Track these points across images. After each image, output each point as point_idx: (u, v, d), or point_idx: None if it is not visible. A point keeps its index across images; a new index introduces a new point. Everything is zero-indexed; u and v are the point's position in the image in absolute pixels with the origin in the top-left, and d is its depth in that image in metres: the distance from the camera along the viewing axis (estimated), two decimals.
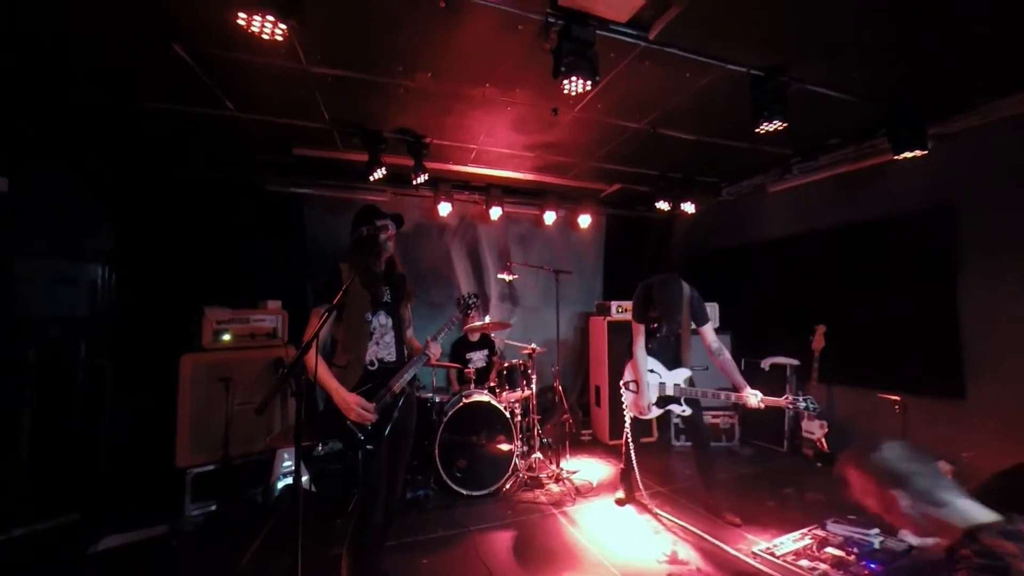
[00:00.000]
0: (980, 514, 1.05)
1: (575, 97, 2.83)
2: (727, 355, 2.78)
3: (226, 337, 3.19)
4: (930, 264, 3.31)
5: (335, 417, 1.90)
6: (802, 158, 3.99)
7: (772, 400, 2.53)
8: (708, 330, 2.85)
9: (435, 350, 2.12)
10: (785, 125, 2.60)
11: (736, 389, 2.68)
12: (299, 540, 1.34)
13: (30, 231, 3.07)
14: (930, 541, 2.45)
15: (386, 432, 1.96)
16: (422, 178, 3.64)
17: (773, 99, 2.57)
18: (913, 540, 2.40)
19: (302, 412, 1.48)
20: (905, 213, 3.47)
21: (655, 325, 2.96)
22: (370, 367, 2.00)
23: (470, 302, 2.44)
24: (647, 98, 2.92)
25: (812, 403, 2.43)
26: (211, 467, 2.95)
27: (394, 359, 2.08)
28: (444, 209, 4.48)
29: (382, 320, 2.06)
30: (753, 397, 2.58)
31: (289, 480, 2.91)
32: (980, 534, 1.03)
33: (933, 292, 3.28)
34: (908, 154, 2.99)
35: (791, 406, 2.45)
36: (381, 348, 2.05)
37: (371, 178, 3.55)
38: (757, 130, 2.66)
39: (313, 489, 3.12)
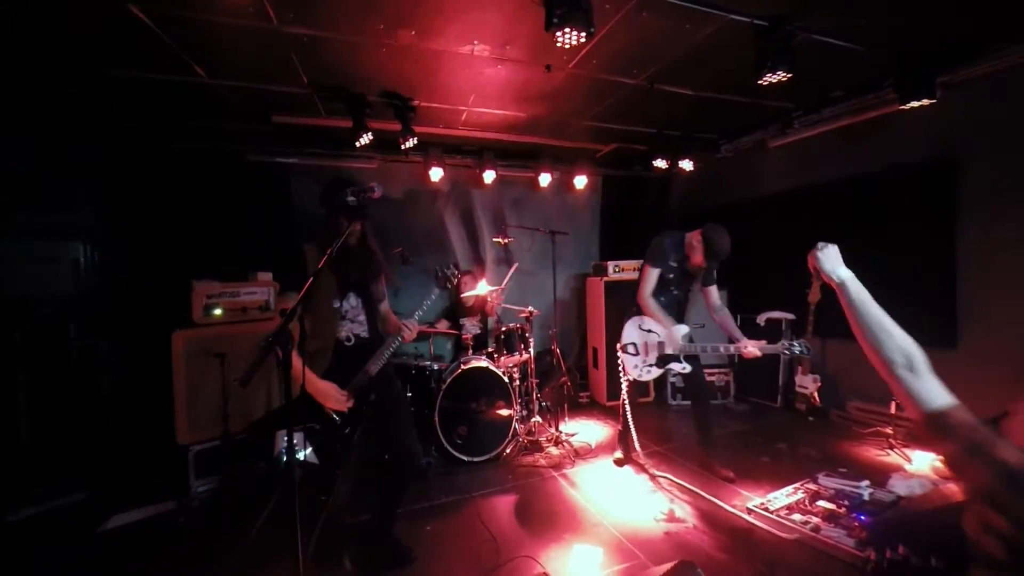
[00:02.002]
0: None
1: (569, 52, 2.67)
2: (726, 312, 2.93)
3: (217, 311, 3.13)
4: (930, 215, 3.30)
5: (312, 402, 1.90)
6: (804, 112, 3.88)
7: (769, 348, 2.70)
8: (714, 289, 2.95)
9: (410, 330, 2.07)
10: (790, 76, 2.51)
11: (734, 342, 2.80)
12: (296, 514, 1.35)
13: (4, 206, 2.95)
14: (917, 491, 2.57)
15: (364, 412, 1.98)
16: (411, 142, 3.50)
17: (778, 49, 2.45)
18: (901, 490, 2.51)
19: (291, 382, 1.45)
20: (906, 165, 3.44)
21: (671, 277, 2.93)
22: (347, 343, 2.01)
23: (448, 274, 2.33)
24: (645, 52, 2.76)
25: (805, 346, 2.59)
26: (213, 443, 2.97)
27: (367, 336, 2.08)
28: (436, 174, 4.34)
29: (352, 302, 2.04)
30: (752, 346, 2.71)
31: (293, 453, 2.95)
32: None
33: (931, 243, 3.29)
34: (915, 103, 2.94)
35: (786, 351, 2.61)
36: (356, 325, 2.05)
37: (357, 144, 3.41)
38: (760, 82, 2.55)
39: (316, 461, 3.17)
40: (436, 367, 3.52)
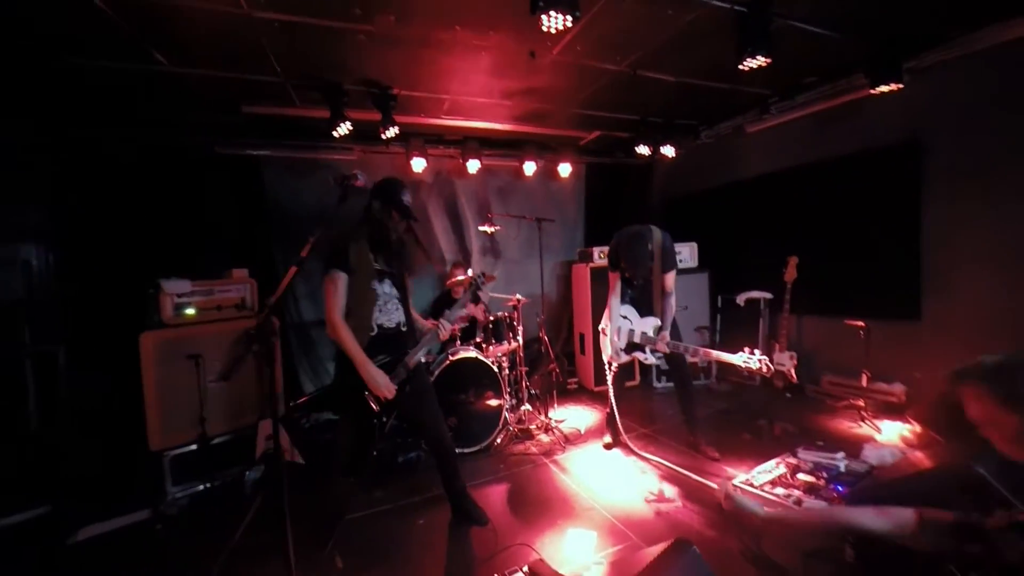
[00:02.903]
0: None
1: (553, 38, 2.64)
2: (670, 302, 2.97)
3: (190, 311, 3.01)
4: (898, 195, 3.45)
5: (352, 391, 2.03)
6: (780, 97, 3.97)
7: (727, 356, 2.56)
8: (670, 277, 2.99)
9: (445, 330, 2.24)
10: (769, 61, 2.56)
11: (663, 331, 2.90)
12: (286, 512, 1.32)
13: None
14: (888, 459, 2.72)
15: (398, 402, 2.10)
16: (391, 131, 3.42)
17: (757, 35, 2.50)
18: (873, 460, 2.65)
19: (273, 378, 1.43)
20: (876, 147, 3.58)
21: (628, 275, 3.03)
22: (370, 332, 2.08)
23: (480, 283, 2.52)
24: (628, 37, 2.75)
25: (766, 363, 2.43)
26: (191, 447, 2.87)
27: (393, 325, 2.17)
28: (418, 165, 4.26)
29: (386, 289, 2.16)
30: (663, 344, 2.81)
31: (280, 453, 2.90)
32: None
33: (899, 221, 3.45)
34: (884, 88, 3.07)
35: (743, 364, 2.47)
36: (383, 315, 2.14)
37: (335, 134, 3.31)
38: (741, 67, 2.60)
39: (300, 460, 3.13)
40: (424, 359, 3.49)
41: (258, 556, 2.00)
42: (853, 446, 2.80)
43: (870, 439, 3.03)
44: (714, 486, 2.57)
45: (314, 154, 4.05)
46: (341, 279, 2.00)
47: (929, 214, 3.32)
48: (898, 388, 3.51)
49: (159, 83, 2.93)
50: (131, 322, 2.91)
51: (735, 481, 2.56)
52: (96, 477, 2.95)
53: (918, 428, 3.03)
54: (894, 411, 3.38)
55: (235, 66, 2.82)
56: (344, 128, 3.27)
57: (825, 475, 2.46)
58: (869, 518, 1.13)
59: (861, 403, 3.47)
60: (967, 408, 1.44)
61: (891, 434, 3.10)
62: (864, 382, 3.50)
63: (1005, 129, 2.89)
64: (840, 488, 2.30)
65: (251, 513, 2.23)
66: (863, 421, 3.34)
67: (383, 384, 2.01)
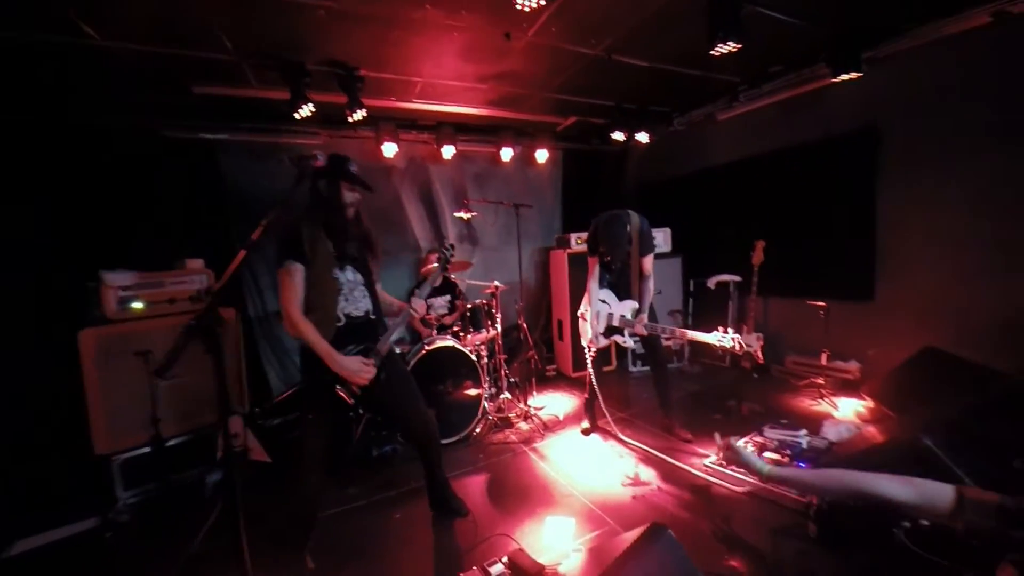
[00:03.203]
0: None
1: (528, 18, 2.55)
2: (648, 284, 3.03)
3: (138, 305, 2.81)
4: (856, 181, 3.61)
5: (321, 387, 1.90)
6: (748, 86, 4.05)
7: (703, 335, 2.66)
8: (648, 260, 3.03)
9: (419, 306, 2.13)
10: (740, 47, 2.59)
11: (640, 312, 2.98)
12: (239, 513, 1.24)
13: None
14: (845, 435, 2.88)
15: (373, 392, 1.98)
16: (358, 114, 3.26)
17: (728, 20, 2.53)
18: (832, 436, 2.80)
19: (224, 373, 1.30)
20: (836, 135, 3.72)
21: (608, 259, 3.05)
22: (337, 323, 1.95)
23: (448, 255, 2.42)
24: (603, 19, 2.70)
25: (739, 341, 2.54)
26: (144, 450, 2.70)
27: (362, 314, 2.04)
28: (389, 150, 4.10)
29: (349, 276, 2.02)
30: (640, 325, 2.88)
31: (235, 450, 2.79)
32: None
33: (856, 205, 3.61)
34: (845, 76, 3.21)
35: (718, 343, 2.59)
36: (349, 304, 2.01)
37: (296, 116, 3.12)
38: (713, 52, 2.63)
39: (267, 459, 3.03)
40: (398, 350, 3.43)
41: (219, 562, 1.92)
42: (814, 423, 2.95)
43: (829, 416, 3.20)
44: (689, 468, 2.67)
45: (276, 138, 3.83)
46: (297, 270, 1.85)
47: (883, 199, 3.49)
48: (853, 366, 3.72)
49: (92, 59, 2.65)
50: (68, 319, 2.70)
51: (707, 462, 2.67)
52: (37, 483, 2.76)
53: (871, 404, 3.22)
54: (850, 388, 3.59)
55: (178, 42, 2.59)
56: (306, 110, 3.09)
57: (789, 452, 2.59)
58: (896, 487, 1.10)
59: (821, 381, 3.65)
60: None
61: (847, 410, 3.29)
62: (824, 361, 3.68)
63: (951, 118, 3.06)
64: (803, 464, 2.43)
65: (213, 517, 2.14)
66: (822, 399, 3.52)
67: (357, 369, 1.88)
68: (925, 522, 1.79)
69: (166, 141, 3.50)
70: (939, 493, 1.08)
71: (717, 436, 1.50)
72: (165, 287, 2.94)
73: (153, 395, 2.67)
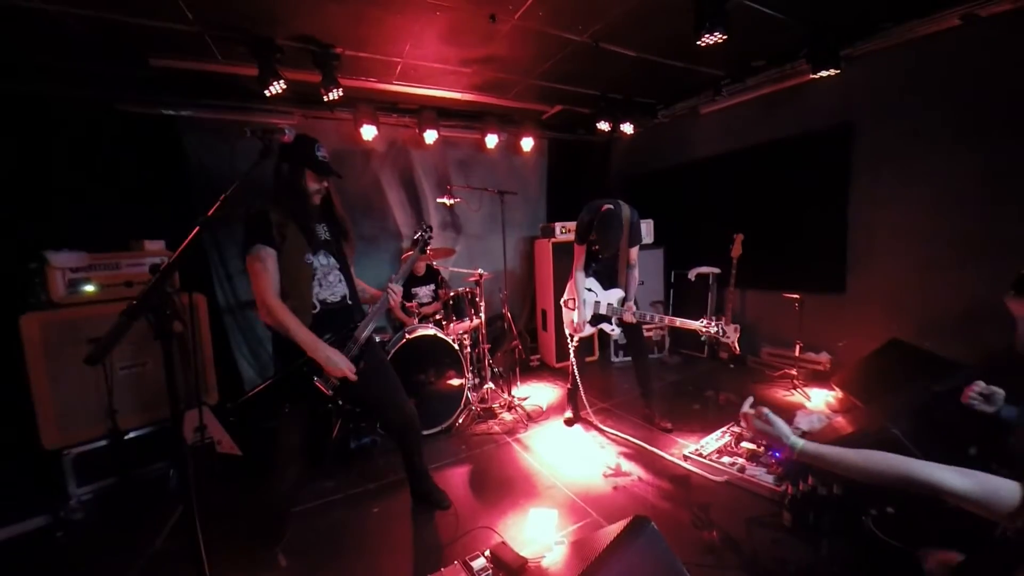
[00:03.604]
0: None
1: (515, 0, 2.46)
2: (633, 274, 3.07)
3: (89, 288, 2.62)
4: (830, 175, 3.70)
5: (297, 377, 1.82)
6: (732, 80, 4.07)
7: (690, 323, 2.80)
8: (634, 251, 3.06)
9: (397, 292, 2.06)
10: (725, 38, 2.60)
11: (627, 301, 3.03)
12: (194, 508, 1.16)
13: None
14: (816, 425, 2.97)
15: (352, 382, 1.91)
16: (334, 94, 3.10)
17: (714, 11, 2.54)
18: (804, 426, 2.89)
19: (173, 361, 1.19)
20: (813, 131, 3.80)
21: (596, 248, 3.04)
22: (312, 310, 1.88)
23: (427, 237, 2.37)
24: (591, 4, 2.64)
25: (722, 329, 2.71)
26: (99, 444, 2.56)
27: (338, 299, 1.98)
28: (368, 133, 3.95)
29: (322, 260, 1.94)
30: (629, 314, 2.93)
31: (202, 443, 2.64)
32: None
33: (830, 200, 3.71)
34: (824, 73, 3.30)
35: (703, 330, 2.74)
36: (324, 289, 1.94)
37: (267, 93, 2.95)
38: (699, 43, 2.63)
39: (237, 452, 2.91)
40: (378, 339, 3.34)
41: (184, 560, 1.84)
42: (787, 413, 3.02)
43: (801, 406, 3.31)
44: (669, 457, 2.71)
45: (245, 116, 3.61)
46: (269, 255, 1.75)
47: (855, 193, 3.58)
48: (824, 357, 3.84)
49: (30, 22, 2.42)
50: (8, 303, 2.51)
51: (687, 451, 2.72)
52: None
53: (840, 394, 3.34)
54: (821, 379, 3.71)
55: (133, 10, 2.39)
56: (276, 87, 2.91)
57: (764, 442, 2.65)
58: (954, 477, 1.05)
59: (794, 372, 3.76)
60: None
61: (818, 401, 3.40)
62: (797, 352, 3.79)
63: (919, 116, 3.15)
64: (777, 455, 2.49)
65: (178, 512, 2.02)
66: (795, 389, 3.63)
67: (342, 364, 1.80)
68: (890, 509, 1.87)
69: (124, 115, 3.26)
70: (1004, 489, 1.02)
71: (747, 403, 1.34)
72: (121, 269, 2.76)
73: (109, 385, 2.49)
